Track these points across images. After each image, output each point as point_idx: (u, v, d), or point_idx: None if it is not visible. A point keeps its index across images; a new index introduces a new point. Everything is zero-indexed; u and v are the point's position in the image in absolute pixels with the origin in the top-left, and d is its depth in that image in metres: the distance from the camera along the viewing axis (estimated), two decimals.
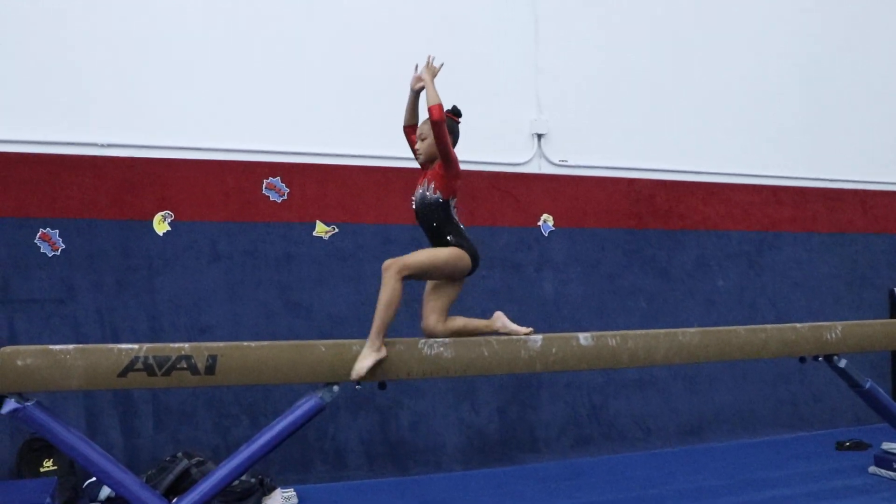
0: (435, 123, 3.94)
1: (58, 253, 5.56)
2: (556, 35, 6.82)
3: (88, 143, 5.66)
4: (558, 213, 6.67)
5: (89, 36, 5.72)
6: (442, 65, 4.08)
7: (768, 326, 4.77)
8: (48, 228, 5.55)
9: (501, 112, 6.60)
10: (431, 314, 4.13)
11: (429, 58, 4.09)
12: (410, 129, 4.29)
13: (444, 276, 4.08)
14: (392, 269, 3.89)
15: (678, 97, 7.17)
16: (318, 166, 6.07)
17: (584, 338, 4.27)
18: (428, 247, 4.11)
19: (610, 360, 4.35)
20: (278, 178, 5.99)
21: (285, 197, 5.99)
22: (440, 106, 3.95)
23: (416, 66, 4.18)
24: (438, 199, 4.05)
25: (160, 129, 5.80)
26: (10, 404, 3.63)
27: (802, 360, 4.85)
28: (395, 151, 5.76)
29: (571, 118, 6.80)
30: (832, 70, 7.80)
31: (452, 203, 4.11)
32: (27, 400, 3.66)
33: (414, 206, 4.16)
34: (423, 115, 4.11)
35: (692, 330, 4.55)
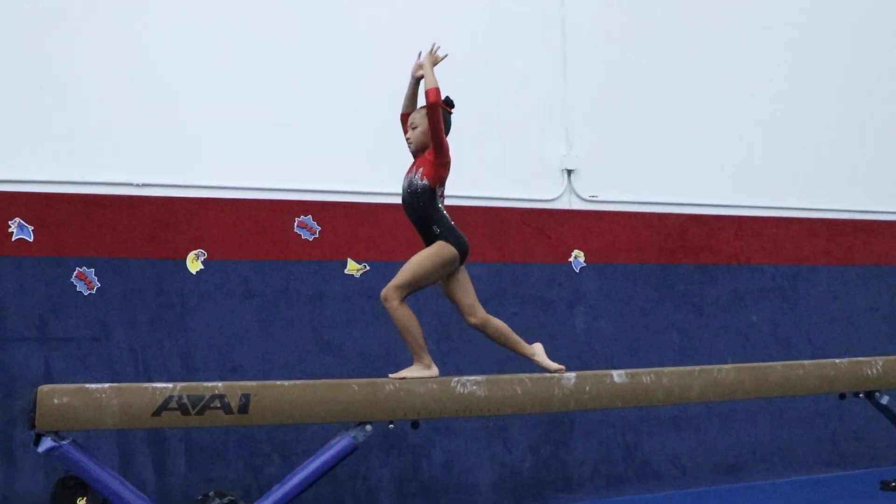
0: (430, 106, 3.98)
1: (93, 291, 5.60)
2: (585, 72, 6.83)
3: (123, 183, 5.73)
4: (589, 248, 6.63)
5: (123, 81, 5.82)
6: (446, 55, 4.14)
7: (806, 362, 4.68)
8: (84, 267, 5.61)
9: (531, 149, 6.60)
10: (471, 315, 4.12)
11: (432, 45, 4.15)
12: (406, 116, 4.34)
13: (439, 275, 4.07)
14: (389, 298, 3.97)
15: (708, 131, 7.13)
16: (349, 204, 6.10)
17: (618, 375, 4.21)
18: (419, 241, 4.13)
19: (644, 398, 4.28)
20: (310, 216, 6.01)
21: (317, 235, 6.02)
22: (437, 90, 4.00)
23: (420, 54, 4.21)
24: (426, 185, 4.04)
25: (193, 168, 5.86)
26: (47, 443, 3.63)
27: (842, 396, 4.74)
28: None
29: (601, 154, 6.78)
30: (865, 101, 7.72)
31: (439, 192, 4.10)
32: (63, 438, 3.67)
33: (401, 196, 4.17)
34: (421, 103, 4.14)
35: (727, 366, 4.47)
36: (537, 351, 4.26)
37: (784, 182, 7.35)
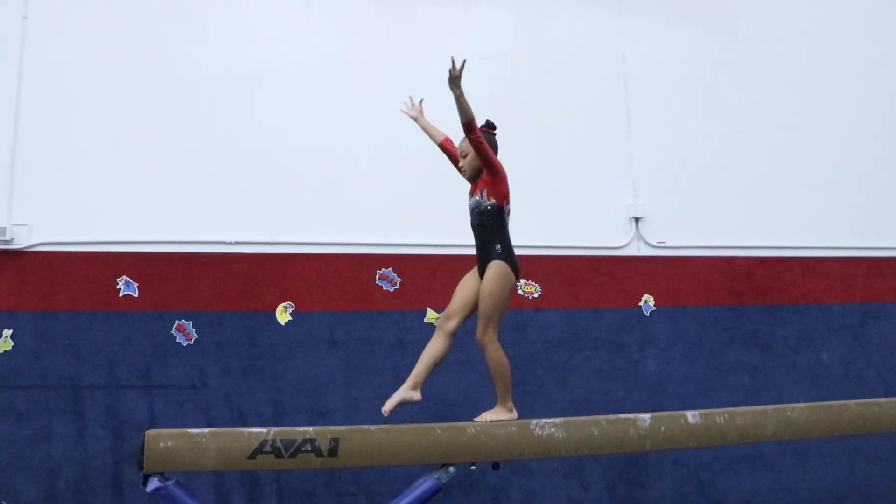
0: (473, 141, 4.03)
1: (191, 342, 5.82)
2: (648, 123, 6.87)
3: (218, 242, 5.97)
4: (659, 293, 6.60)
5: (215, 153, 6.16)
6: (464, 62, 4.01)
7: (881, 400, 4.57)
8: (183, 320, 5.84)
9: (599, 199, 6.65)
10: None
11: (453, 65, 3.97)
12: (445, 141, 4.47)
13: (508, 301, 4.17)
14: (487, 342, 4.05)
15: (772, 174, 7.04)
16: (427, 256, 6.22)
17: (691, 416, 4.19)
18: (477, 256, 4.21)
19: (718, 438, 4.24)
20: (390, 268, 6.15)
21: (397, 286, 6.14)
22: (474, 123, 4.01)
23: (410, 99, 4.45)
24: (495, 204, 4.13)
25: (281, 227, 6.09)
26: (154, 483, 3.78)
27: None
28: None
29: (667, 200, 6.77)
30: None
31: (507, 210, 4.18)
32: (168, 479, 3.81)
33: (470, 218, 4.25)
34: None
35: (801, 405, 4.41)
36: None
37: (850, 221, 7.19)
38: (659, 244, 6.70)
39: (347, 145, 6.31)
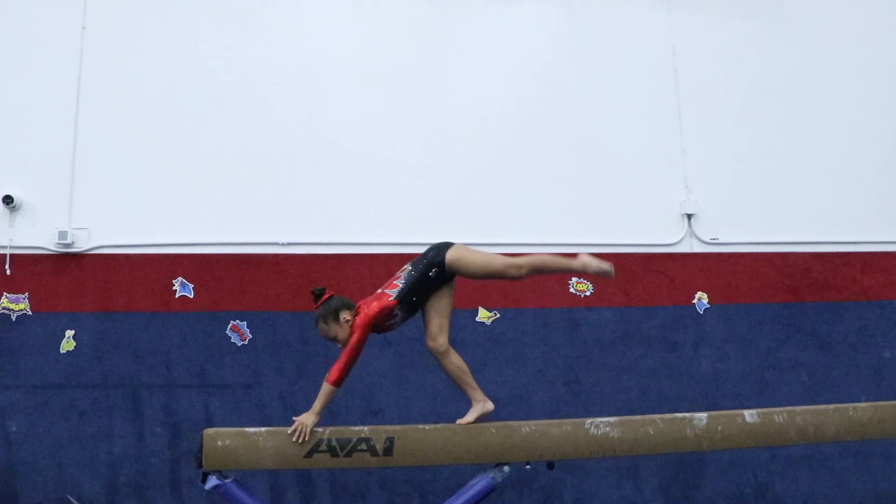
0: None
1: (245, 342, 5.87)
2: (699, 118, 6.74)
3: (271, 243, 6.02)
4: (712, 290, 6.46)
5: (269, 157, 6.21)
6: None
7: None
8: (237, 320, 5.89)
9: (651, 196, 6.54)
10: (436, 338, 4.11)
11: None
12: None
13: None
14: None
15: (827, 167, 6.85)
16: None
17: (749, 415, 4.08)
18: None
19: (777, 437, 4.13)
20: None
21: None
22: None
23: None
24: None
25: (333, 228, 6.12)
26: (213, 481, 3.82)
27: None
28: (552, 238, 5.86)
29: (720, 196, 6.63)
30: None
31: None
32: (226, 477, 3.84)
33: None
34: None
35: (864, 404, 4.26)
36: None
37: None
38: (712, 241, 6.56)
39: (396, 145, 6.33)
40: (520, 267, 4.13)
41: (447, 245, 4.13)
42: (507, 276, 4.19)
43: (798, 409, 4.18)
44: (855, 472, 6.38)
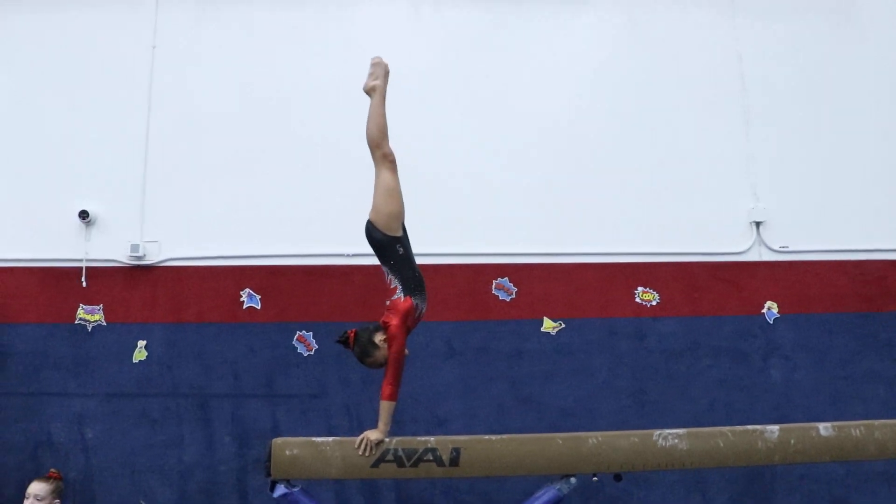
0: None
1: (312, 353, 5.93)
2: (767, 123, 6.58)
3: (336, 254, 6.07)
4: (782, 299, 6.29)
5: (335, 165, 6.24)
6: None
7: None
8: (304, 331, 5.95)
9: (718, 204, 6.40)
10: None
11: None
12: None
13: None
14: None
15: None
16: (542, 265, 6.14)
17: (824, 428, 3.96)
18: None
19: (854, 452, 3.98)
20: (506, 278, 6.10)
21: (514, 296, 6.08)
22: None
23: None
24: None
25: None
26: (281, 489, 3.87)
27: None
28: (619, 248, 5.82)
29: (789, 203, 6.46)
30: None
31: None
32: (294, 486, 3.87)
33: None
34: None
35: None
36: None
37: None
38: (782, 249, 6.39)
39: (459, 155, 6.31)
40: (385, 155, 4.56)
41: (366, 226, 4.41)
42: (387, 166, 4.55)
43: (877, 422, 4.03)
44: None
